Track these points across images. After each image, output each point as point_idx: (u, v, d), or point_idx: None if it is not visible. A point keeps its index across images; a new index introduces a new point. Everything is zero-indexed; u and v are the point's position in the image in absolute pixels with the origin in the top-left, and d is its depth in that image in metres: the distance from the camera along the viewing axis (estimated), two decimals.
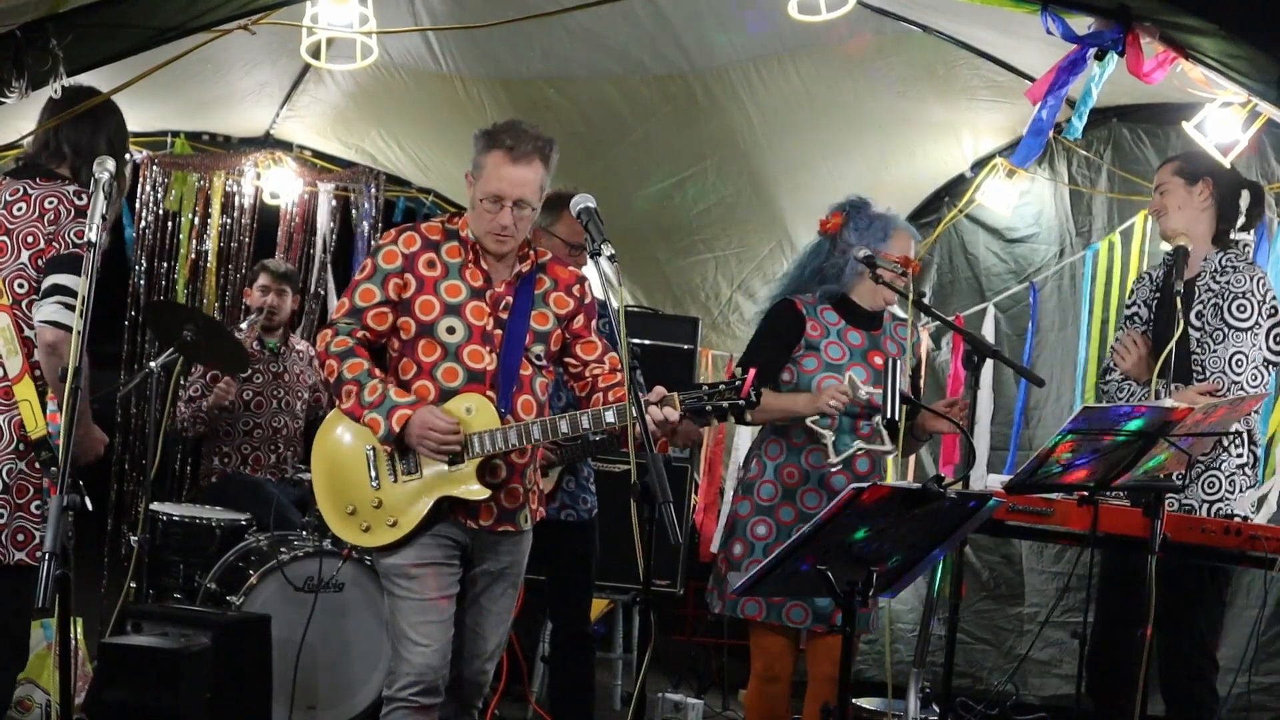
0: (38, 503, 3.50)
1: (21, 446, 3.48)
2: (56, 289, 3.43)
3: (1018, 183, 6.13)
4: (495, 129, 3.62)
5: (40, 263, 3.50)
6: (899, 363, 3.76)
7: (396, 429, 3.46)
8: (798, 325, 4.12)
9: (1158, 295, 4.32)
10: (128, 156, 3.87)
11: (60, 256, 3.45)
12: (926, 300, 5.83)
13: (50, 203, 3.48)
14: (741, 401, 3.45)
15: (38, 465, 3.49)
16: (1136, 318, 4.38)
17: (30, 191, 3.52)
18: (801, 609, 4.01)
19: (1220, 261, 4.17)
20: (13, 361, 3.46)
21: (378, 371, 3.55)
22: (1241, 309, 4.06)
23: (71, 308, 3.38)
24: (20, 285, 3.47)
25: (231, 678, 4.55)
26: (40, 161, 3.67)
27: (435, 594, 3.55)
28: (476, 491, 3.53)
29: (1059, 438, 3.51)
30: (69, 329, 3.37)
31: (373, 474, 3.58)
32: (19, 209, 3.50)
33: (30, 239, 3.46)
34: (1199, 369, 4.09)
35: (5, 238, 3.49)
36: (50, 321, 3.42)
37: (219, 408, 5.93)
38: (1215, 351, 4.06)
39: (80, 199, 3.48)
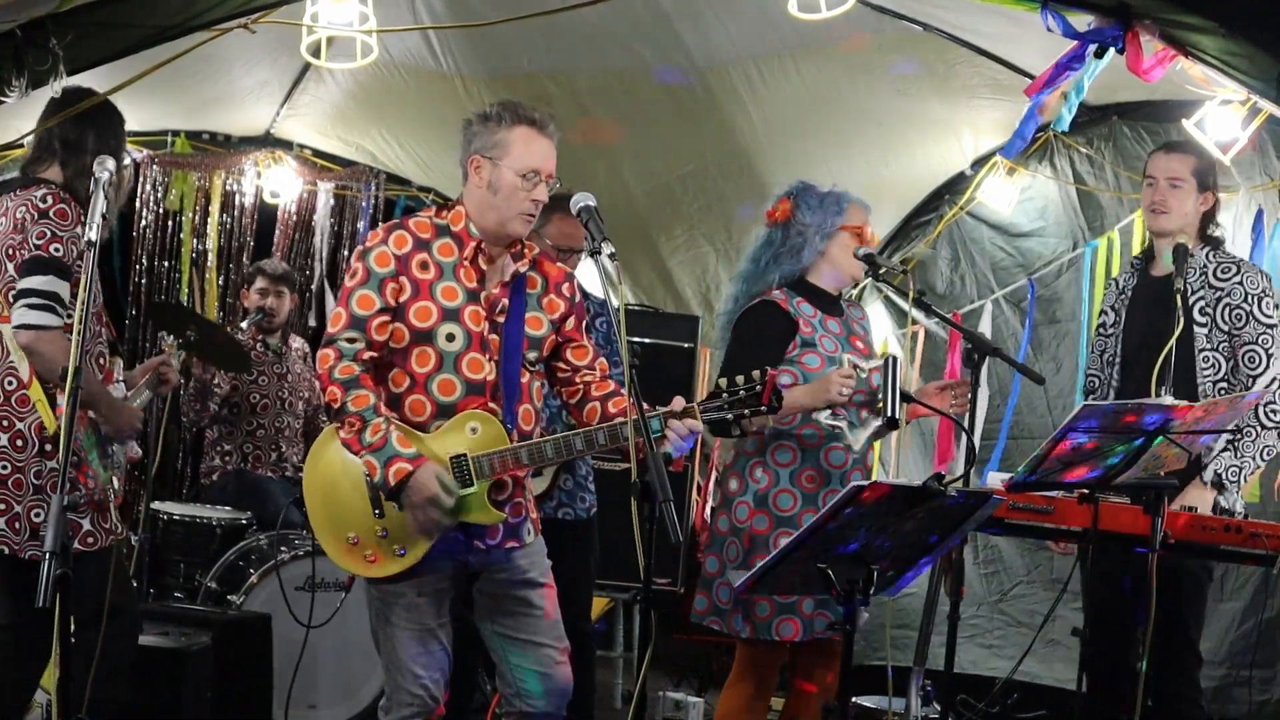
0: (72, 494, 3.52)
1: (47, 447, 3.54)
2: (21, 293, 3.50)
3: (1018, 180, 6.12)
4: (507, 104, 3.39)
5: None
6: (898, 360, 3.71)
7: (393, 482, 3.20)
8: (789, 325, 3.94)
9: (1126, 298, 4.29)
10: (126, 155, 3.89)
11: (24, 261, 3.52)
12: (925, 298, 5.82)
13: (20, 212, 3.56)
14: (764, 408, 3.28)
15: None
16: (1104, 325, 4.34)
17: (9, 205, 3.61)
18: (791, 624, 3.84)
19: (1210, 257, 4.11)
20: (23, 366, 3.54)
21: (383, 408, 3.28)
22: (1267, 307, 4.02)
23: (36, 307, 3.47)
24: (12, 296, 3.54)
25: (232, 677, 4.56)
26: (31, 165, 3.73)
27: (434, 622, 3.39)
28: (490, 516, 3.33)
29: (1059, 435, 3.50)
30: (39, 327, 3.47)
31: (375, 503, 3.32)
32: (1, 224, 3.60)
33: (9, 251, 3.55)
34: (1211, 368, 4.05)
35: None
36: (21, 325, 3.49)
37: (225, 401, 5.98)
38: (1249, 348, 4.01)
39: (45, 202, 3.54)
